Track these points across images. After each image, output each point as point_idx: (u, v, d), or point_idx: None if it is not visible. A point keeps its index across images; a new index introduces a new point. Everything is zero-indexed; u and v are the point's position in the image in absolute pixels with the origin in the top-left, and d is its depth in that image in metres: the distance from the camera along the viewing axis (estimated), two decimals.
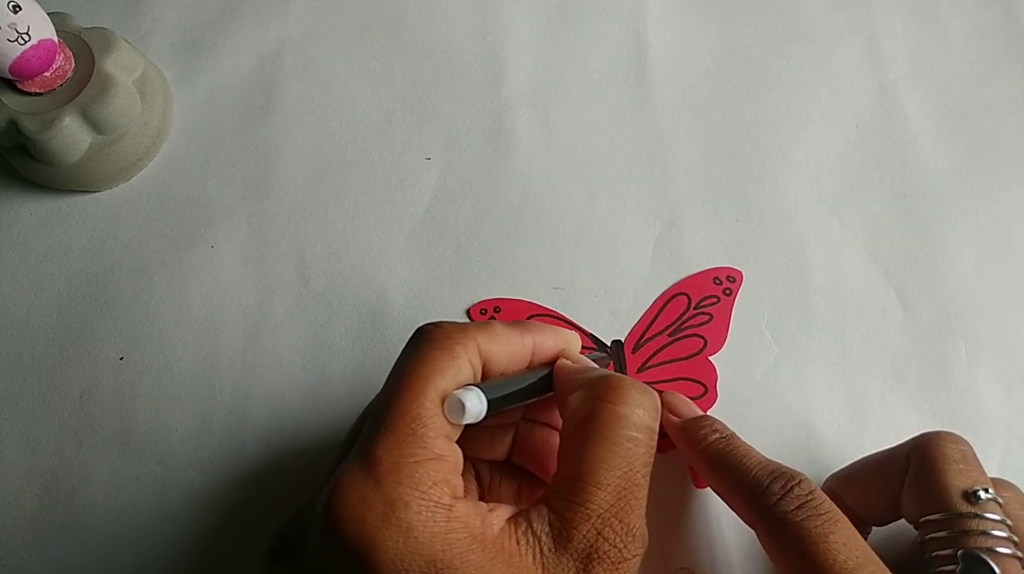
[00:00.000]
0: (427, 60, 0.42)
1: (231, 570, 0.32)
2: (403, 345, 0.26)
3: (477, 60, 0.42)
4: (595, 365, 0.28)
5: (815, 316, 0.36)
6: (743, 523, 0.28)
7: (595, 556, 0.22)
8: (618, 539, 0.22)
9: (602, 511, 0.22)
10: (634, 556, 0.23)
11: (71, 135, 0.35)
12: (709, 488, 0.32)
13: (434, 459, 0.22)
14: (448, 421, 0.23)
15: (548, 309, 0.36)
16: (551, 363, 0.28)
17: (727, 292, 0.36)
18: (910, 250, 0.38)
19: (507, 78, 0.42)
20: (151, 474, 0.34)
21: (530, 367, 0.28)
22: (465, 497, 0.23)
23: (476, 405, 0.23)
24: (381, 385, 0.36)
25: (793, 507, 0.25)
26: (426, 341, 0.25)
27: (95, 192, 0.39)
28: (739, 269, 0.37)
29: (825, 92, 0.41)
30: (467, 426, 0.24)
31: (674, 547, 0.32)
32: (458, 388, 0.24)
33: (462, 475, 0.28)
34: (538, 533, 0.22)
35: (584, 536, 0.22)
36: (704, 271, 0.37)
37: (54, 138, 0.35)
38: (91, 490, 0.34)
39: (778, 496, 0.26)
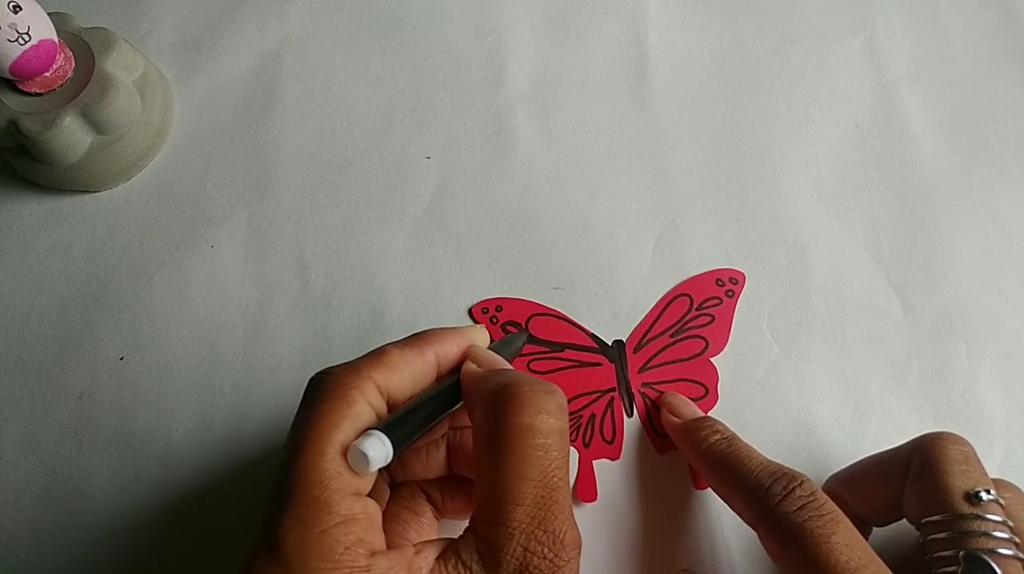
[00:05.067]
0: (427, 60, 0.42)
1: (230, 570, 0.32)
2: None
3: (477, 60, 0.42)
4: (502, 361, 0.27)
5: (815, 316, 0.36)
6: (744, 524, 0.28)
7: (527, 573, 0.21)
8: (546, 550, 0.22)
9: (524, 526, 0.22)
10: (567, 561, 0.22)
11: (71, 135, 0.35)
12: (709, 489, 0.32)
13: (342, 523, 0.21)
14: (355, 474, 0.22)
15: (549, 308, 0.36)
16: (458, 368, 0.27)
17: (729, 294, 0.36)
18: (910, 250, 0.38)
19: (507, 78, 0.42)
20: (151, 474, 0.34)
21: (438, 379, 0.27)
22: (387, 549, 0.22)
23: (380, 450, 0.22)
24: None
25: (795, 508, 0.25)
26: (318, 393, 0.23)
27: (95, 192, 0.39)
28: (742, 271, 0.37)
29: (825, 92, 0.41)
30: (394, 456, 0.23)
31: (675, 548, 0.32)
32: (357, 437, 0.23)
33: (414, 502, 0.28)
34: (468, 563, 0.22)
35: (512, 556, 0.21)
36: (707, 272, 0.37)
37: (54, 138, 0.35)
38: (91, 490, 0.34)
39: (780, 497, 0.26)
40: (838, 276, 0.37)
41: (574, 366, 0.35)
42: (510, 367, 0.27)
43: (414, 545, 0.23)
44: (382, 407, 0.25)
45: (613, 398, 0.35)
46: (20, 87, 0.35)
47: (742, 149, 0.40)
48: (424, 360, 0.26)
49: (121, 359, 0.36)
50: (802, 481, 0.26)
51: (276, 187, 0.39)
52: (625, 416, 0.35)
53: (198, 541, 0.33)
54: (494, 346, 0.30)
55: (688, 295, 0.37)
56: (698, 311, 0.36)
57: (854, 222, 0.38)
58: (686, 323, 0.36)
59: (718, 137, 0.40)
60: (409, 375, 0.25)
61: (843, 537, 0.25)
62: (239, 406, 0.35)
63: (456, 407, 0.27)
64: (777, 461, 0.28)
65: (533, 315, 0.36)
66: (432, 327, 0.28)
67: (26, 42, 0.33)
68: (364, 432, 0.23)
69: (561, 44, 0.42)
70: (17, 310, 0.37)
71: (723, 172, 0.39)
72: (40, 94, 0.35)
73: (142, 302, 0.37)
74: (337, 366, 0.25)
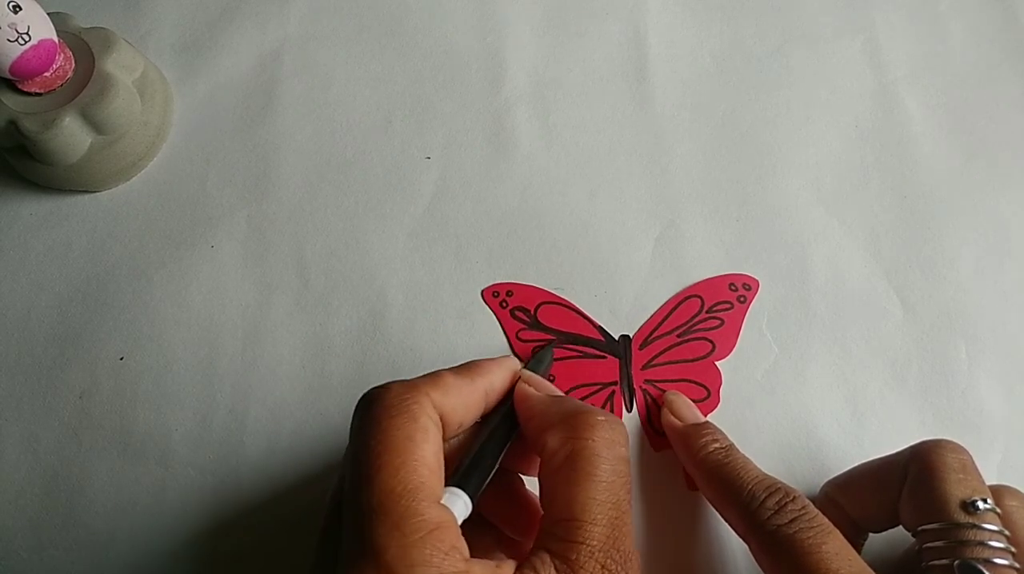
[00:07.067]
0: (427, 60, 0.42)
1: (230, 570, 0.32)
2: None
3: (477, 60, 0.42)
4: (553, 387, 0.28)
5: (815, 316, 0.36)
6: None
7: None
8: (619, 567, 0.23)
9: (601, 545, 0.23)
10: None
11: (71, 135, 0.35)
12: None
13: (436, 529, 0.21)
14: (437, 484, 0.23)
15: (559, 297, 0.36)
16: (504, 401, 0.28)
17: (741, 299, 0.36)
18: (910, 250, 0.38)
19: (507, 78, 0.42)
20: (151, 474, 0.34)
21: (487, 408, 0.28)
22: (472, 556, 0.22)
23: (462, 510, 0.23)
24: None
25: (786, 521, 0.26)
26: (380, 409, 0.24)
27: (95, 192, 0.39)
28: (756, 278, 0.37)
29: (825, 92, 0.41)
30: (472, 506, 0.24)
31: (666, 543, 0.32)
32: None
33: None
34: None
35: (591, 572, 0.22)
36: (721, 276, 0.37)
37: (54, 138, 0.35)
38: (91, 490, 0.34)
39: (772, 511, 0.26)
40: (838, 276, 0.37)
41: (578, 357, 0.35)
42: (562, 394, 0.28)
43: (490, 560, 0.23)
44: (439, 426, 0.25)
45: (614, 392, 0.35)
46: (20, 87, 0.35)
47: (742, 149, 0.40)
48: (475, 388, 0.27)
49: (121, 359, 0.36)
50: (795, 497, 0.27)
51: (276, 187, 0.39)
52: (624, 411, 0.35)
53: (197, 541, 0.33)
54: (529, 366, 0.31)
55: (699, 297, 0.36)
56: (708, 314, 0.36)
57: (854, 222, 0.38)
58: (695, 324, 0.36)
59: (718, 137, 0.40)
60: (462, 403, 0.26)
61: (833, 546, 0.25)
62: (239, 406, 0.35)
63: (513, 438, 0.27)
64: (777, 461, 0.28)
65: (542, 303, 0.36)
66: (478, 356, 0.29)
67: (26, 42, 0.33)
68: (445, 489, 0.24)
69: (561, 44, 0.42)
70: (17, 310, 0.37)
71: (723, 172, 0.39)
72: (40, 94, 0.35)
73: (142, 302, 0.37)
74: (393, 382, 0.25)
